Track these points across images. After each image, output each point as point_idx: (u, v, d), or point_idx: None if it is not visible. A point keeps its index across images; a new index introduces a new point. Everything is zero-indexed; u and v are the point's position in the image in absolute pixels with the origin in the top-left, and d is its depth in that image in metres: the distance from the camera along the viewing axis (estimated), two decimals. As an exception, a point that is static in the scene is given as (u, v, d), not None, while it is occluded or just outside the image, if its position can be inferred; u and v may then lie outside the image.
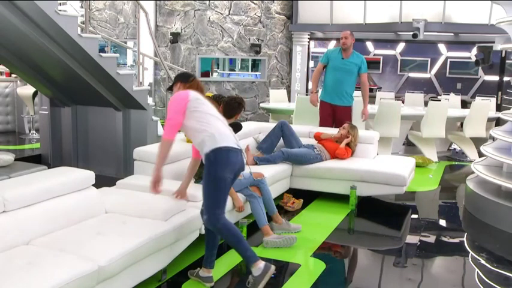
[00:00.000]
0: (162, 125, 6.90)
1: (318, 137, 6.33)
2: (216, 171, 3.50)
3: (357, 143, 6.24)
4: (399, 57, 15.04)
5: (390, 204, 6.18)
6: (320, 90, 7.33)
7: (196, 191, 4.37)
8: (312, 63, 13.25)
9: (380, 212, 5.89)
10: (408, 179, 5.80)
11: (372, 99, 10.15)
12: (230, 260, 4.22)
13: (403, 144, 9.53)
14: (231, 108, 4.81)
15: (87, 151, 6.77)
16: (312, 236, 4.82)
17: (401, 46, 14.81)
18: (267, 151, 5.98)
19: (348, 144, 6.13)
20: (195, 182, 4.71)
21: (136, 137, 6.26)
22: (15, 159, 5.53)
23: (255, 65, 13.05)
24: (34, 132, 9.43)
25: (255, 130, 6.52)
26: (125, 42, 12.08)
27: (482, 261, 4.52)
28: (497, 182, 5.46)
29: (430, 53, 14.62)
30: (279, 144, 6.12)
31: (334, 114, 6.97)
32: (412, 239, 5.10)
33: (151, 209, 3.82)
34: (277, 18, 12.60)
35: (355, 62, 6.85)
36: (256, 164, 5.66)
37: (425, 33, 10.37)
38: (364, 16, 11.29)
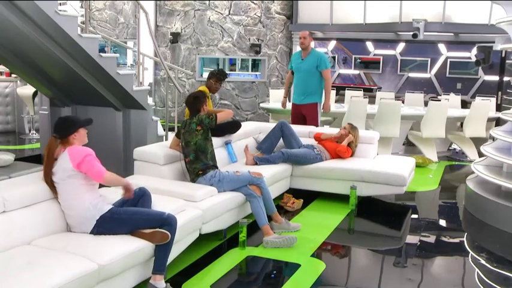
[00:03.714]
0: (162, 126, 6.95)
1: (318, 138, 6.33)
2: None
3: (357, 144, 6.24)
4: (399, 57, 15.03)
5: (390, 204, 6.18)
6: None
7: (196, 190, 4.37)
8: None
9: (380, 212, 5.88)
10: (408, 179, 5.80)
11: (372, 99, 10.14)
12: (230, 260, 4.23)
13: (403, 144, 9.52)
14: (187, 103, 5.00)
15: (87, 151, 6.76)
16: (312, 236, 4.82)
17: (401, 46, 14.80)
18: (266, 151, 5.98)
19: (348, 145, 6.12)
20: (194, 182, 4.71)
21: (136, 137, 6.25)
22: (15, 159, 5.52)
23: (255, 65, 13.04)
24: (34, 132, 9.43)
25: (255, 130, 6.52)
26: (125, 42, 12.08)
27: (482, 261, 4.52)
28: (497, 182, 5.46)
29: (430, 53, 14.61)
30: (279, 144, 6.12)
31: (302, 112, 7.18)
32: (412, 239, 5.11)
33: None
34: (277, 18, 12.60)
35: (312, 60, 7.00)
36: (256, 164, 5.66)
37: (425, 33, 10.37)
38: (364, 16, 11.28)
